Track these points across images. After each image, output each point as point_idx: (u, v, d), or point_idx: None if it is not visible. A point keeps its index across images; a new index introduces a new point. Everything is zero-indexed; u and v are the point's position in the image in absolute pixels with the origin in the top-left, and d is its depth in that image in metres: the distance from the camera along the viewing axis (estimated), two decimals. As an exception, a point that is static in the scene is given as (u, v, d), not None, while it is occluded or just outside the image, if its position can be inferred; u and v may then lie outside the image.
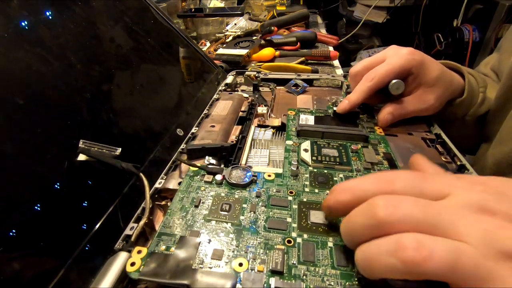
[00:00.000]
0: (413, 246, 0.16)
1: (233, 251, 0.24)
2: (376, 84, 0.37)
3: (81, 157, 0.29)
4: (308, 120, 0.40)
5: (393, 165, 0.32)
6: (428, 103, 0.38)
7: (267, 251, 0.23)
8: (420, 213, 0.18)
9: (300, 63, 0.71)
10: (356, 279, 0.21)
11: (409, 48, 0.38)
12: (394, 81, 0.37)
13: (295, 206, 0.27)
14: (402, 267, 0.16)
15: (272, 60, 0.74)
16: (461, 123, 0.46)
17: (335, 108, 0.40)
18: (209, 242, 0.24)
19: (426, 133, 0.38)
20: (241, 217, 0.26)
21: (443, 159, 0.34)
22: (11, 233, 0.22)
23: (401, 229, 0.18)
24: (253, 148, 0.39)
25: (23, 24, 0.29)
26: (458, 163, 0.33)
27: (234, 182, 0.29)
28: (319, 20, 1.22)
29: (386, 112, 0.39)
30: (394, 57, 0.38)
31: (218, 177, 0.30)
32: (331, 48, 0.86)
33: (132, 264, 0.23)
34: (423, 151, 0.35)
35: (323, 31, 1.07)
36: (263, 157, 0.37)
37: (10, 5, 0.28)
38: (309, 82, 0.53)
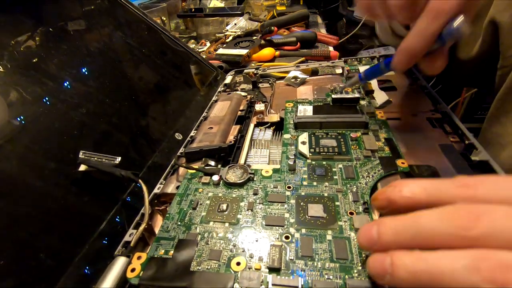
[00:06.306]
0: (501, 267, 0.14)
1: (230, 251, 0.23)
2: (443, 25, 0.24)
3: (82, 167, 0.30)
4: (306, 110, 0.38)
5: (395, 151, 0.30)
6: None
7: (265, 248, 0.23)
8: None
9: (300, 63, 0.70)
10: (355, 271, 0.20)
11: None
12: (459, 20, 0.23)
13: (292, 201, 0.27)
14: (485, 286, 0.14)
15: (272, 60, 0.74)
16: None
17: (333, 96, 0.39)
18: (207, 244, 0.24)
19: (431, 113, 0.36)
20: (239, 216, 0.26)
21: (451, 139, 0.32)
22: (12, 240, 0.23)
23: (488, 245, 0.15)
24: (253, 148, 0.38)
25: (16, 45, 0.30)
26: (467, 142, 0.31)
27: (231, 181, 0.29)
28: (319, 20, 1.20)
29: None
30: None
31: (215, 177, 0.30)
32: (331, 48, 0.84)
33: (132, 270, 0.23)
34: (427, 133, 0.33)
35: (323, 31, 1.04)
36: (263, 156, 0.36)
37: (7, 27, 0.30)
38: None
